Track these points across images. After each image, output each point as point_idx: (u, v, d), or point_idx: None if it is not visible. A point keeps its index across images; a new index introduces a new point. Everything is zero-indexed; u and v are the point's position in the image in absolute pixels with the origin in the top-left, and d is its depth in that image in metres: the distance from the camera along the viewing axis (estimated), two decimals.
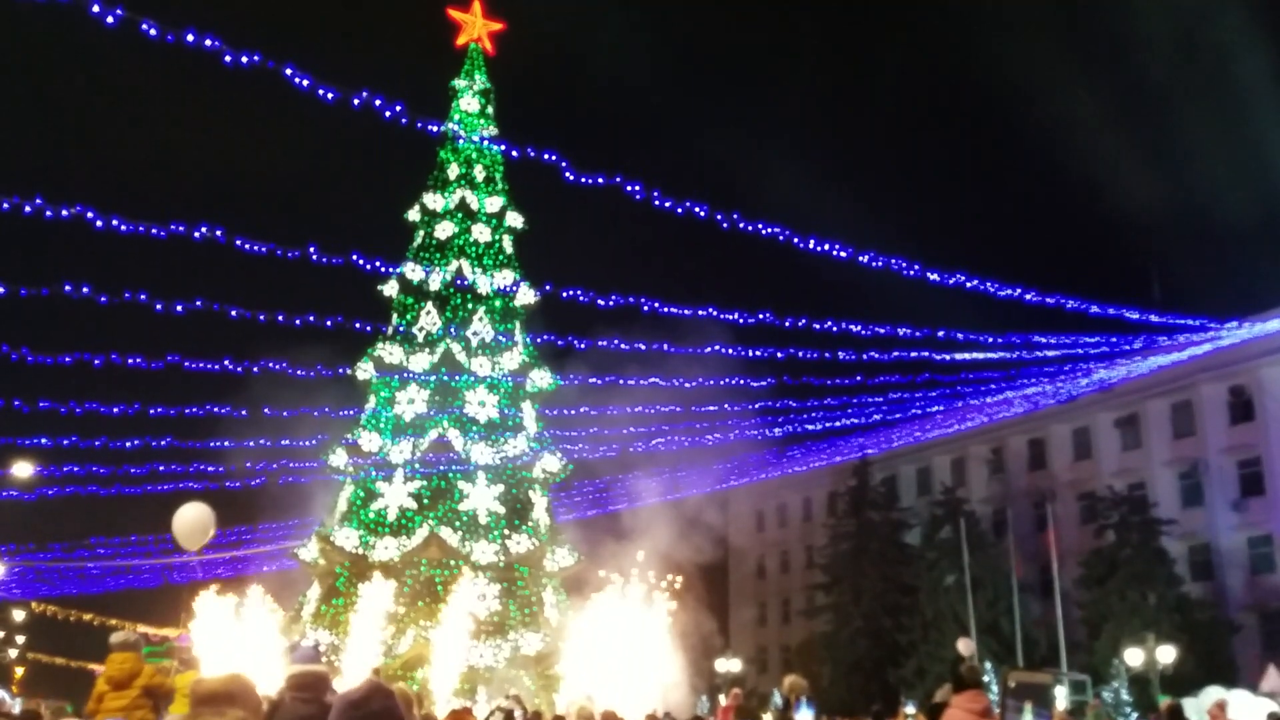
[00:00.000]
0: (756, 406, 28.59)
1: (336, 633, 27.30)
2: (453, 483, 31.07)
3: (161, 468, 26.17)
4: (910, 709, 25.85)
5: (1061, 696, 28.02)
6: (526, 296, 33.08)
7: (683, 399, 27.65)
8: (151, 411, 22.79)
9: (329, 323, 21.68)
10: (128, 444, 24.14)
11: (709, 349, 23.75)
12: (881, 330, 22.42)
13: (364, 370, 32.40)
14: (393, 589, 24.16)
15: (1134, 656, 34.39)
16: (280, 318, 20.55)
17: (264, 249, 17.15)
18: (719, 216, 17.48)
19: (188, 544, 16.32)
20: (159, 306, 18.07)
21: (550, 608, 30.97)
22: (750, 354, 23.79)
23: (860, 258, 19.29)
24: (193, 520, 16.08)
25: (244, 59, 13.57)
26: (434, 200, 34.44)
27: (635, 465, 33.86)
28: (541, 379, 32.55)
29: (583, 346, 24.52)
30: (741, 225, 17.84)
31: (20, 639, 51.80)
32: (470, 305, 32.98)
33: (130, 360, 20.05)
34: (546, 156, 16.72)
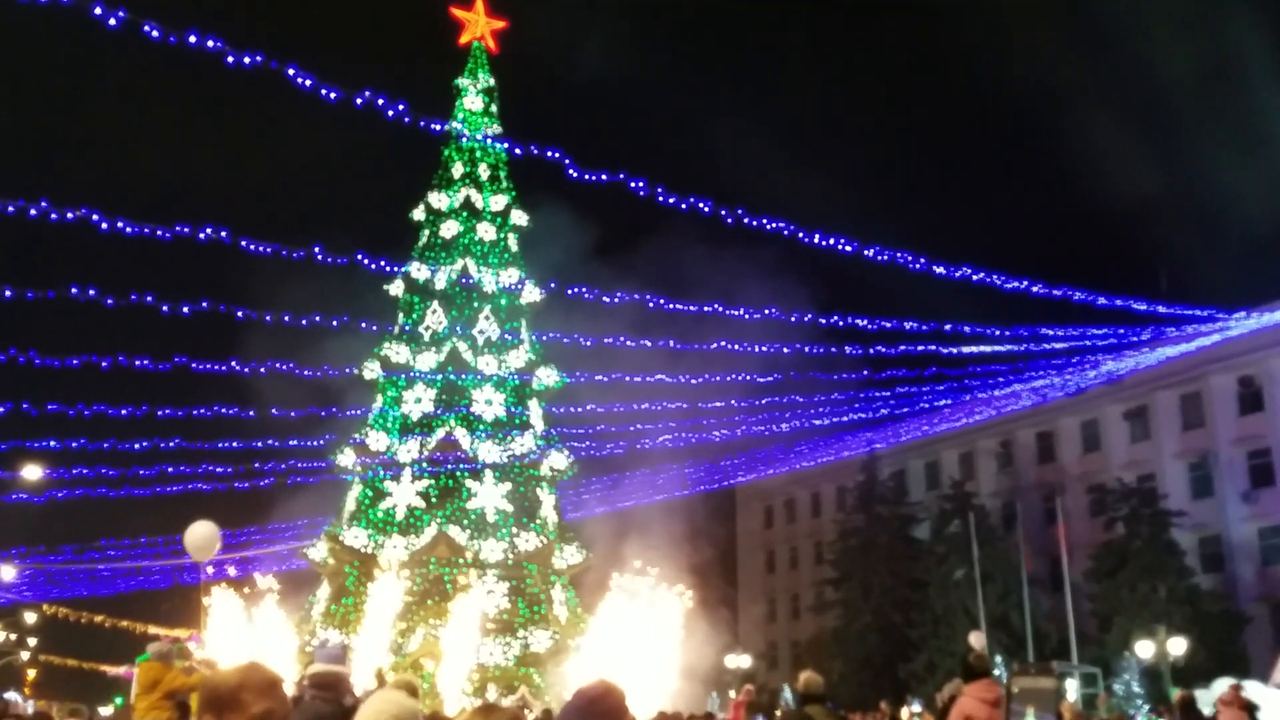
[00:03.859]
0: (764, 402, 28.57)
1: (346, 631, 27.35)
2: (460, 481, 31.10)
3: (170, 469, 26.25)
4: (916, 707, 25.76)
5: (1073, 690, 27.95)
6: (532, 294, 33.08)
7: (689, 395, 27.68)
8: (159, 413, 22.87)
9: (335, 323, 21.76)
10: (136, 446, 24.23)
11: (715, 345, 23.75)
12: (888, 324, 22.40)
13: (371, 370, 32.44)
14: (402, 588, 24.21)
15: (1145, 649, 34.30)
16: (286, 318, 20.63)
17: (269, 250, 17.17)
18: (723, 212, 17.47)
19: (198, 556, 16.97)
20: (165, 308, 18.14)
21: (559, 605, 30.99)
22: (757, 349, 23.78)
23: (866, 252, 19.26)
24: (202, 537, 16.59)
25: (246, 60, 13.58)
26: (439, 199, 34.47)
27: (643, 462, 33.91)
28: (548, 377, 32.56)
29: (589, 344, 24.55)
30: (746, 221, 17.83)
31: (32, 641, 51.96)
32: (476, 304, 33.00)
33: (138, 362, 20.12)
34: (550, 154, 16.71)
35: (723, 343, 23.68)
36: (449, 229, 33.89)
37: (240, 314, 19.64)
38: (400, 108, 15.12)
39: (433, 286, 33.05)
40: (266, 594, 23.86)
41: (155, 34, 12.76)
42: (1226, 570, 42.79)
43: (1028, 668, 28.94)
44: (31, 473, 26.64)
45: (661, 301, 21.32)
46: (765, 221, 18.18)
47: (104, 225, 15.38)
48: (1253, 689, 18.69)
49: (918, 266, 19.59)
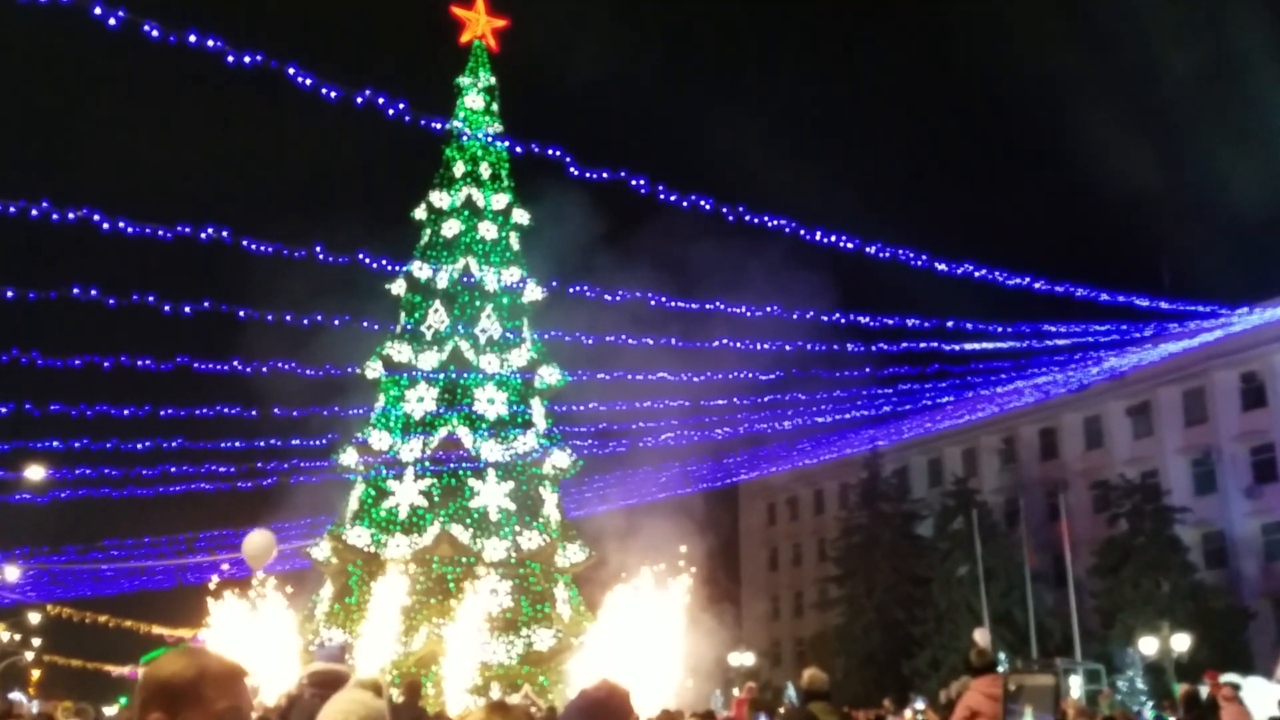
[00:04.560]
0: (766, 399, 28.57)
1: (349, 631, 27.37)
2: (463, 480, 31.10)
3: (173, 469, 26.26)
4: (920, 704, 25.74)
5: (1076, 686, 27.95)
6: (534, 293, 33.07)
7: (692, 393, 27.68)
8: (162, 413, 22.89)
9: (337, 322, 21.77)
10: (139, 445, 24.25)
11: (717, 343, 23.76)
12: (891, 321, 22.39)
13: (373, 369, 32.44)
14: (405, 586, 24.23)
15: (1148, 645, 34.29)
16: (288, 318, 20.64)
17: (270, 249, 17.16)
18: (725, 209, 17.46)
19: (255, 564, 17.29)
20: (167, 308, 18.13)
21: (562, 603, 31.00)
22: (759, 347, 23.77)
23: (868, 249, 19.25)
24: (259, 545, 16.89)
25: (246, 59, 13.57)
26: (440, 198, 34.47)
27: (646, 460, 33.91)
28: (550, 375, 32.54)
29: (591, 342, 24.55)
30: (748, 218, 17.82)
31: (36, 641, 52.07)
32: (478, 302, 33.00)
33: (140, 362, 20.11)
34: (551, 152, 16.69)
35: (725, 340, 23.70)
36: (450, 228, 33.88)
37: (241, 313, 19.65)
38: (400, 107, 15.12)
39: (434, 285, 33.04)
40: (268, 594, 23.87)
41: (155, 34, 12.76)
42: (1230, 566, 42.78)
43: (1029, 664, 28.96)
44: (35, 473, 26.69)
45: (663, 299, 21.33)
46: (767, 219, 18.18)
47: (104, 225, 15.38)
48: (1256, 685, 18.70)
49: (920, 263, 19.59)
